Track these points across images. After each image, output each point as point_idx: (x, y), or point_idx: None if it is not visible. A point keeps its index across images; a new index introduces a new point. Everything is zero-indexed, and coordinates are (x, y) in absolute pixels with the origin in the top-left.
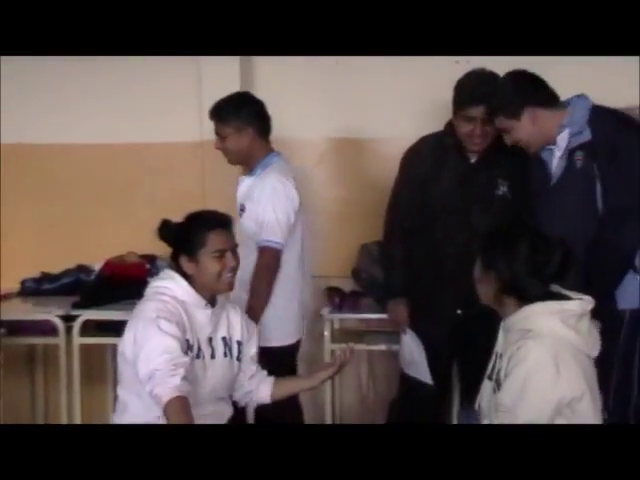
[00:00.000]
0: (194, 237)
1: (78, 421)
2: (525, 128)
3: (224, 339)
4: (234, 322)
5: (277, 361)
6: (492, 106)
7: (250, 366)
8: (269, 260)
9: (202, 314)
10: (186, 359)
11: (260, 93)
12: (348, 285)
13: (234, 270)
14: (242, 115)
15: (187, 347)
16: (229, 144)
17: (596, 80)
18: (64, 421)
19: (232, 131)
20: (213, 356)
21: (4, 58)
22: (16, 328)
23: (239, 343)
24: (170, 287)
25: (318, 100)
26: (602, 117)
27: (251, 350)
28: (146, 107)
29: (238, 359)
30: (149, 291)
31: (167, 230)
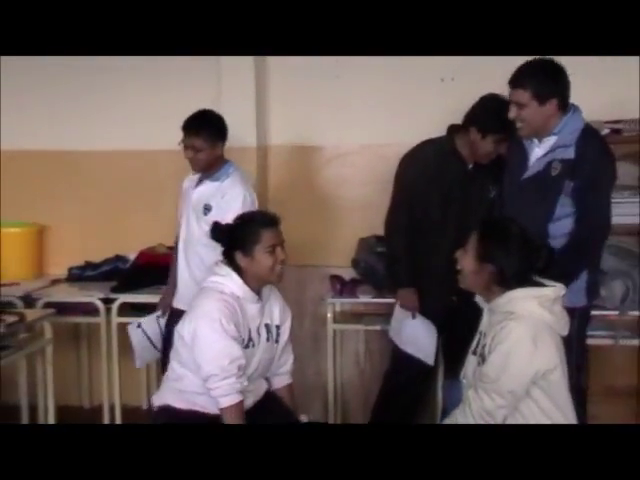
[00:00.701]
0: (249, 235)
1: (117, 387)
2: (539, 114)
3: (267, 325)
4: (274, 308)
5: None
6: (523, 72)
7: (282, 346)
8: None
9: (253, 308)
10: (244, 361)
11: (274, 104)
12: (348, 273)
13: (283, 262)
14: (216, 131)
15: (240, 342)
16: (202, 156)
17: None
18: (105, 387)
19: (207, 145)
20: (258, 342)
21: (50, 69)
22: (64, 309)
23: (277, 327)
24: (228, 284)
25: (326, 111)
26: (589, 142)
27: (285, 333)
28: (171, 118)
29: (277, 341)
30: (209, 285)
31: (218, 231)
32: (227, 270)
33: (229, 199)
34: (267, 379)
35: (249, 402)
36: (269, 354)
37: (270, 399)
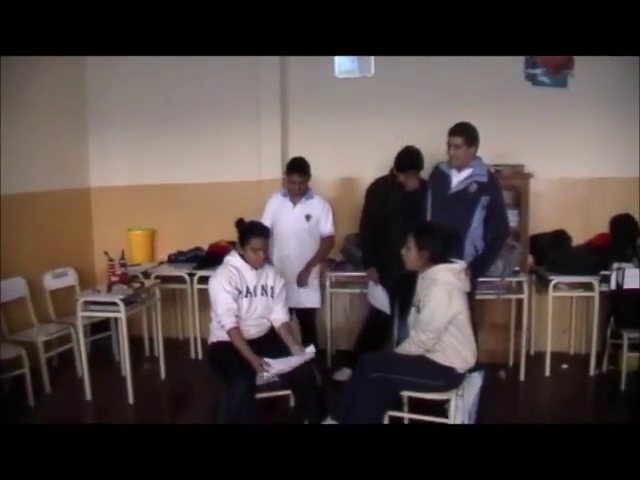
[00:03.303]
0: (245, 238)
1: (197, 326)
2: (467, 153)
3: (263, 286)
4: (270, 276)
5: None
6: (459, 128)
7: (276, 298)
8: (332, 243)
9: (249, 274)
10: (235, 306)
11: (292, 152)
12: (339, 257)
13: (262, 258)
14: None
15: (238, 292)
16: (304, 186)
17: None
18: (190, 326)
19: (307, 179)
20: (255, 295)
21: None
22: (166, 279)
23: (272, 288)
24: (233, 260)
25: (326, 157)
26: (492, 175)
27: (277, 290)
28: (227, 162)
29: (271, 296)
30: (224, 261)
31: (239, 223)
32: (234, 253)
33: (322, 210)
34: (270, 321)
35: (254, 332)
36: (266, 303)
37: (273, 334)
